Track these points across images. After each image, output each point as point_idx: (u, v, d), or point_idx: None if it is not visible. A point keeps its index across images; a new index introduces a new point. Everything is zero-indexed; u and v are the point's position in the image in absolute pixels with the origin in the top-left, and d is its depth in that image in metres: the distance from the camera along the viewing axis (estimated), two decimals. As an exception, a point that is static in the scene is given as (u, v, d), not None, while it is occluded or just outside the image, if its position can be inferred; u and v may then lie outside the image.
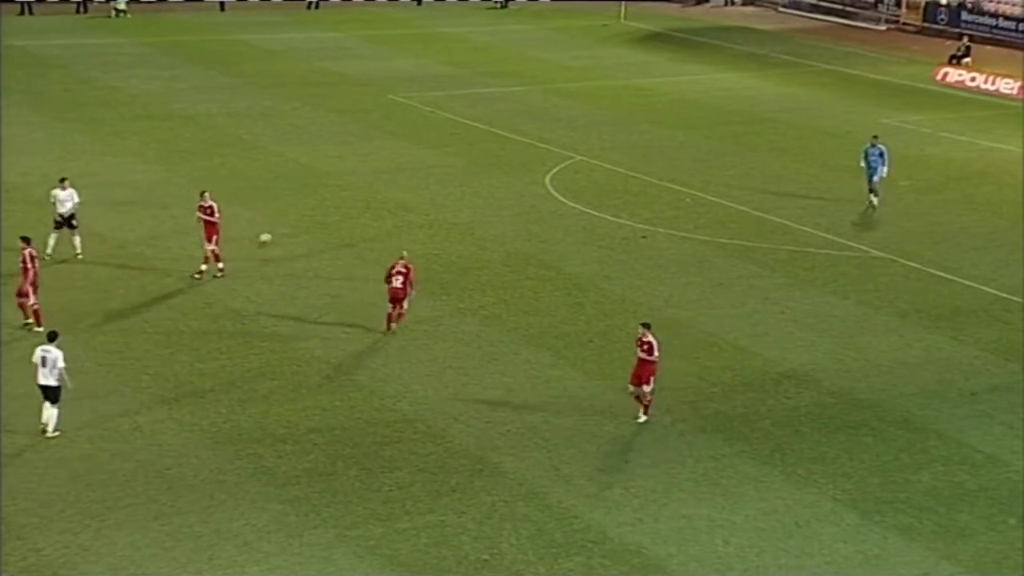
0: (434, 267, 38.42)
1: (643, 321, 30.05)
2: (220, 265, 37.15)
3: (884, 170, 44.14)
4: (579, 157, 50.79)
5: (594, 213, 43.93)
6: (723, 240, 41.55)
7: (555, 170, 48.90)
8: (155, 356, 32.21)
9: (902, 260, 40.31)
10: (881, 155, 44.14)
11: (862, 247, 41.38)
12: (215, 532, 24.81)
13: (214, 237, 36.99)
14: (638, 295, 36.95)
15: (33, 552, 24.09)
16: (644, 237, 41.75)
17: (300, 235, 41.13)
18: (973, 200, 47.16)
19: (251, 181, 46.67)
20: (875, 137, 45.26)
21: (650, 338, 29.07)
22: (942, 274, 39.29)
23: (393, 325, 33.74)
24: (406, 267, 33.69)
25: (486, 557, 24.37)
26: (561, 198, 45.52)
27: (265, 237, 33.61)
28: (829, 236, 42.02)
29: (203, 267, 37.05)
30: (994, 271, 39.50)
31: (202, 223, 37.23)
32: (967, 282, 38.66)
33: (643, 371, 29.14)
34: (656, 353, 29.04)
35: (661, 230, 42.47)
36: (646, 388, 29.20)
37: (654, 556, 24.54)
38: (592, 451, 28.22)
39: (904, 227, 43.75)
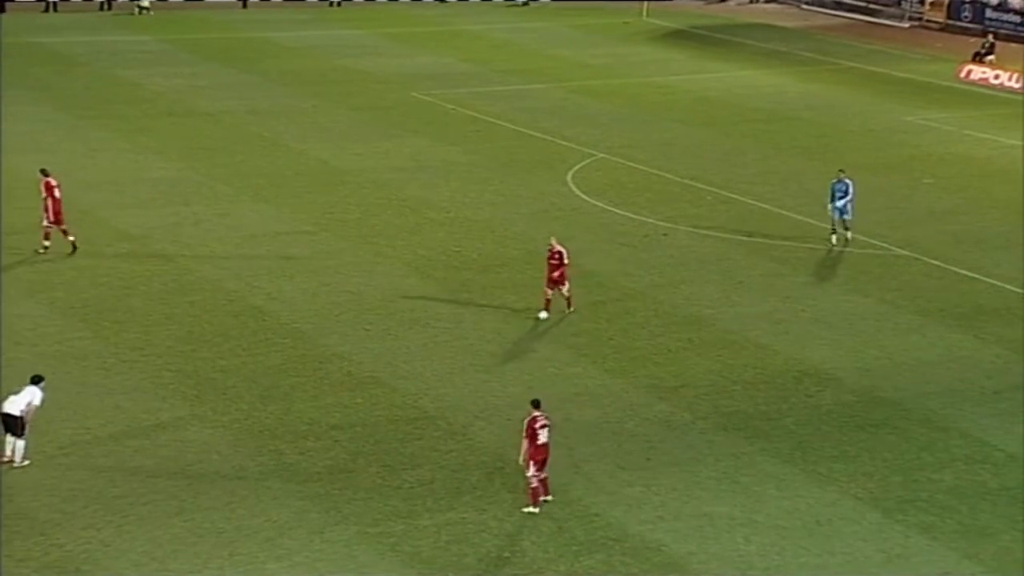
0: (454, 264, 38.45)
1: (533, 399, 26.20)
2: (71, 238, 38.16)
3: (849, 208, 40.11)
4: (600, 155, 50.74)
5: (615, 211, 43.88)
6: (744, 238, 41.47)
7: (576, 168, 48.86)
8: (177, 353, 32.29)
9: (924, 258, 40.18)
10: (846, 191, 40.12)
11: (884, 245, 41.26)
12: (236, 528, 24.86)
13: (60, 215, 37.97)
14: (659, 293, 36.91)
15: (55, 547, 24.18)
16: (665, 235, 41.69)
17: (321, 232, 41.19)
18: (996, 198, 46.96)
19: (272, 178, 46.75)
20: (841, 171, 40.93)
21: (545, 420, 25.60)
22: (965, 272, 39.15)
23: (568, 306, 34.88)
24: (558, 252, 34.47)
25: (507, 555, 24.38)
26: (582, 196, 45.49)
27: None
28: (851, 234, 41.87)
29: (46, 243, 37.99)
30: (1017, 270, 39.32)
31: (50, 201, 37.84)
32: (990, 280, 38.51)
33: (538, 453, 25.50)
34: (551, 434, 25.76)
35: (682, 228, 42.41)
36: (540, 473, 25.69)
37: (675, 554, 24.51)
38: (613, 449, 28.20)
39: (926, 225, 43.59)
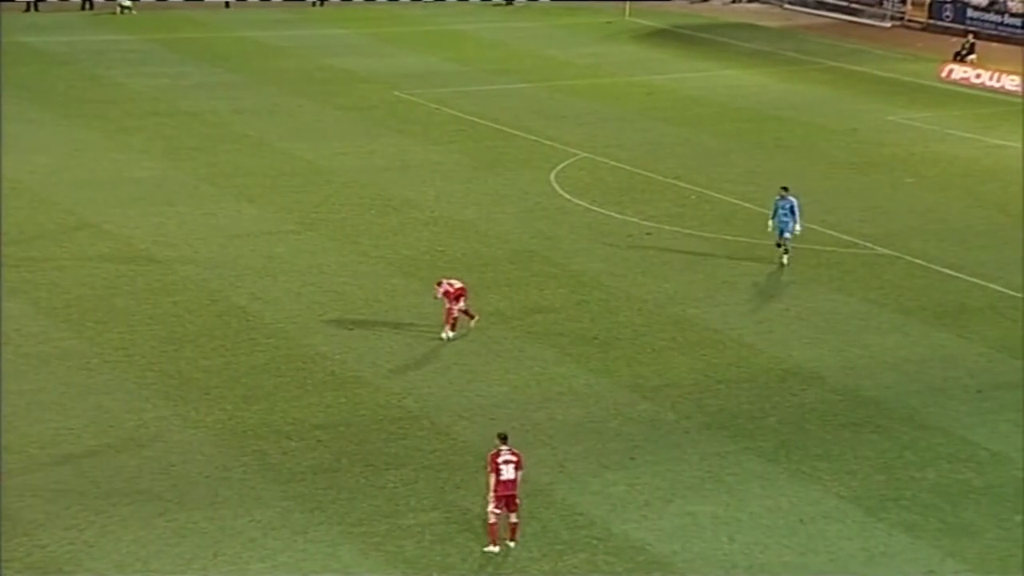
0: (439, 264, 38.42)
1: (500, 433, 24.89)
2: None
3: (796, 226, 38.30)
4: (584, 154, 50.77)
5: (599, 210, 43.92)
6: (728, 237, 41.53)
7: (560, 167, 48.89)
8: (160, 353, 32.24)
9: (907, 257, 40.28)
10: (791, 209, 38.29)
11: (867, 244, 41.35)
12: (220, 529, 24.83)
13: None
14: (643, 292, 36.95)
15: (38, 548, 24.12)
16: (649, 234, 41.73)
17: (305, 232, 41.16)
18: (979, 197, 47.10)
19: (256, 178, 46.70)
20: (784, 189, 38.92)
21: (510, 455, 24.25)
22: (947, 271, 39.25)
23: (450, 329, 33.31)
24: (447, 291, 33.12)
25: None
26: (566, 195, 45.51)
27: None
28: (834, 233, 41.97)
29: None
30: (999, 268, 39.45)
31: None
32: (972, 279, 38.62)
33: (500, 489, 24.10)
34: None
35: (666, 227, 42.46)
36: (514, 517, 24.43)
37: (659, 553, 24.54)
38: (596, 448, 28.22)
39: (909, 224, 43.71)
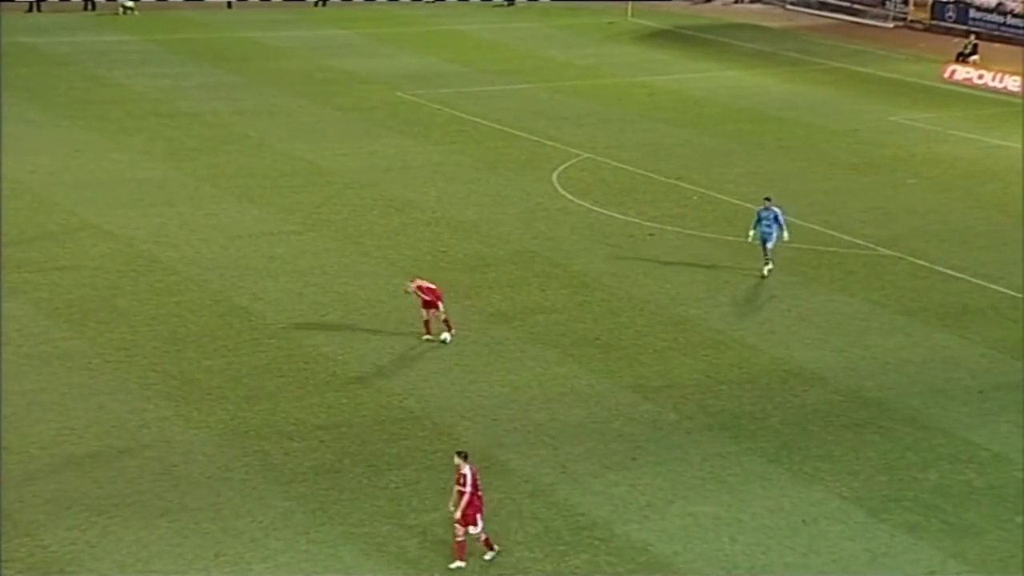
0: (440, 265, 38.44)
1: (461, 451, 24.46)
2: None
3: (785, 235, 37.84)
4: (586, 155, 50.77)
5: (601, 211, 43.91)
6: (730, 238, 41.51)
7: (562, 168, 48.88)
8: (162, 353, 32.24)
9: (909, 258, 40.27)
10: (776, 218, 37.67)
11: (869, 245, 41.34)
12: (222, 529, 24.84)
13: None
14: (644, 293, 36.95)
15: (40, 549, 24.12)
16: (651, 235, 41.74)
17: (307, 232, 41.16)
18: (980, 198, 47.09)
19: (258, 179, 46.70)
20: (767, 199, 38.30)
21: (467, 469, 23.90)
22: (949, 272, 39.24)
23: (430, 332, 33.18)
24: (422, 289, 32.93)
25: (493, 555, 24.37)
26: (568, 196, 45.51)
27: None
28: (836, 234, 41.98)
29: None
30: (1001, 269, 39.44)
31: None
32: (974, 280, 38.61)
33: (472, 508, 23.80)
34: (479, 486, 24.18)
35: (668, 228, 42.46)
36: (474, 529, 23.92)
37: (660, 554, 24.54)
38: (598, 448, 28.22)
39: (911, 225, 43.70)
